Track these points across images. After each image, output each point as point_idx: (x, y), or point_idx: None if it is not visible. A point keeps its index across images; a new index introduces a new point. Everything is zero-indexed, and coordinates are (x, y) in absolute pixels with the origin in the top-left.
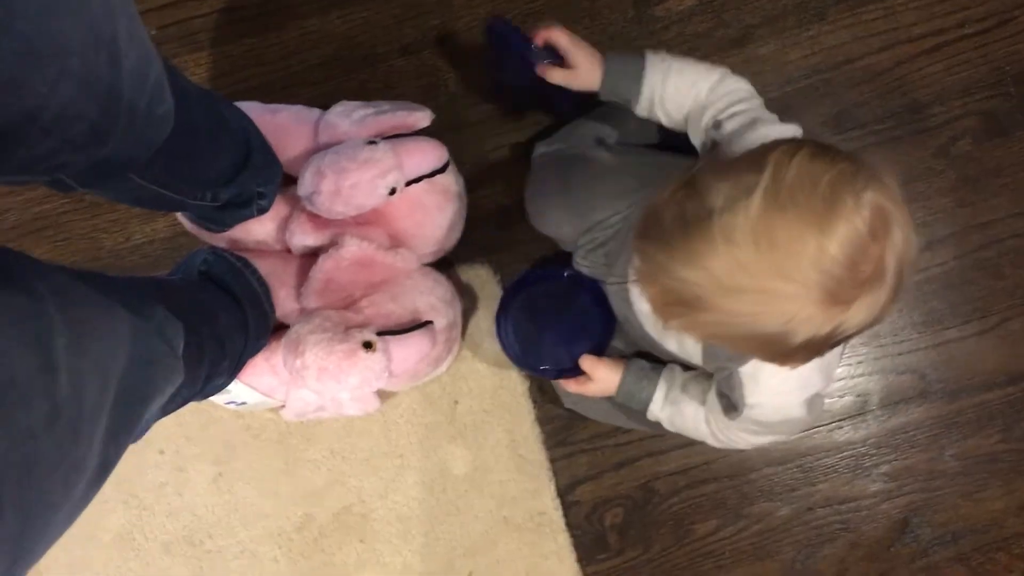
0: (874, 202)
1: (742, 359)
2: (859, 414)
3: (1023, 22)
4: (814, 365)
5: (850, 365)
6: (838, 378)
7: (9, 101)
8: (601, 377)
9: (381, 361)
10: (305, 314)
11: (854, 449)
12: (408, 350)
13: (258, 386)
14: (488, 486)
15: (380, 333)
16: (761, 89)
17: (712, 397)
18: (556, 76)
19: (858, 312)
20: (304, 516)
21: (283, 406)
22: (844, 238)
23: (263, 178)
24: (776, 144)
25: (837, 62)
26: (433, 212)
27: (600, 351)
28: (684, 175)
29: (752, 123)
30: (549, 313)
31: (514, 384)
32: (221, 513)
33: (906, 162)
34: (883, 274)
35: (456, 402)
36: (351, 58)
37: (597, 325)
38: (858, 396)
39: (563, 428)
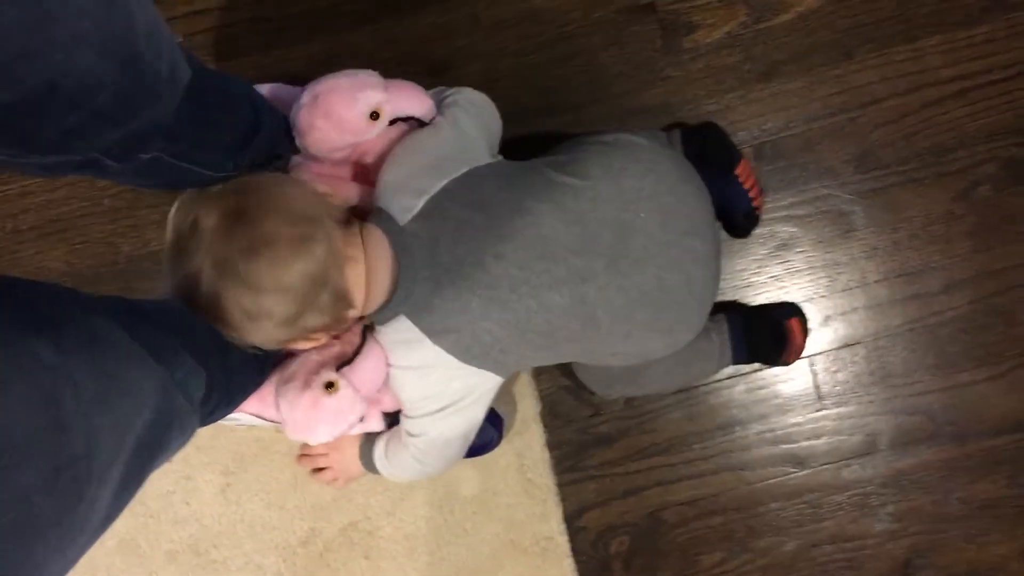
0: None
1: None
2: (868, 453)
3: None
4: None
5: (861, 403)
6: (849, 415)
7: (26, 71)
8: (339, 457)
9: (348, 396)
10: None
11: (861, 488)
12: (367, 371)
13: (248, 408)
14: (496, 509)
15: (341, 365)
16: (785, 125)
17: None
18: None
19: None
20: (310, 530)
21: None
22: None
23: (276, 136)
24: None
25: (863, 102)
26: None
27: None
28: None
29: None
30: None
31: (526, 407)
32: (228, 524)
33: (926, 204)
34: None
35: None
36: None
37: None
38: (867, 435)
39: (573, 453)
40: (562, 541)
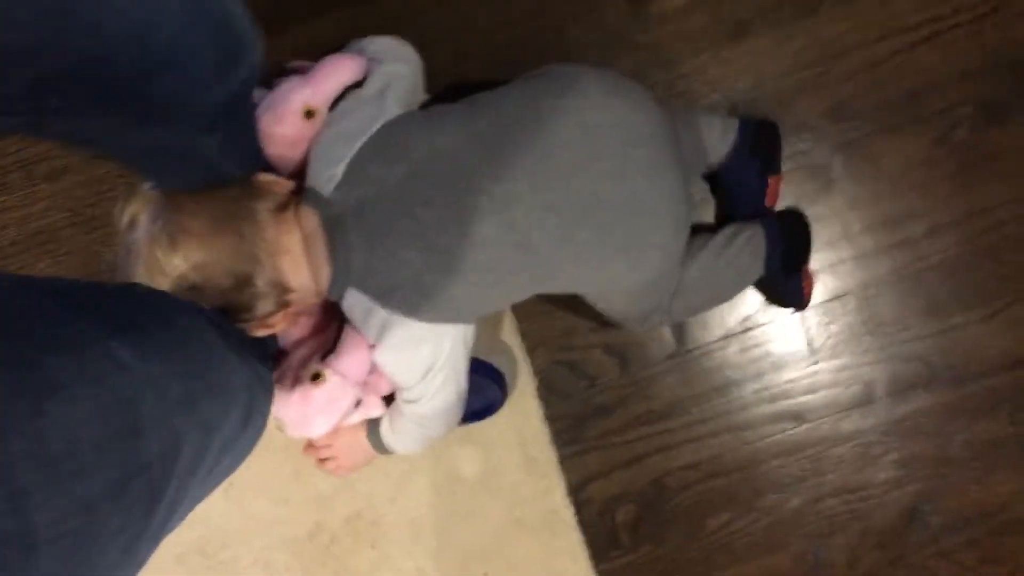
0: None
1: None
2: (866, 403)
3: (1017, 7)
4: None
5: (855, 354)
6: (844, 367)
7: (109, 15)
8: (346, 442)
9: (337, 384)
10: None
11: (862, 438)
12: (350, 354)
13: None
14: (499, 487)
15: (326, 354)
16: (757, 82)
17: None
18: None
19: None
20: (315, 523)
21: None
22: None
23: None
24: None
25: (833, 54)
26: None
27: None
28: None
29: None
30: None
31: (523, 384)
32: (234, 522)
33: (905, 151)
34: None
35: None
36: None
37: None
38: (864, 385)
39: (572, 426)
40: (568, 515)
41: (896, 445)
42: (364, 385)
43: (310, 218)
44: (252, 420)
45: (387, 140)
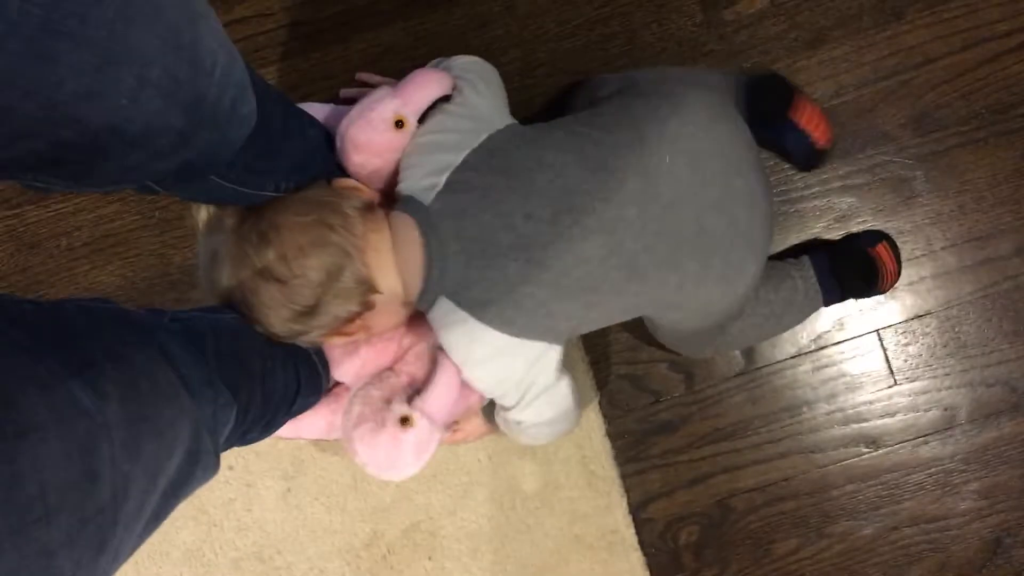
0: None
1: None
2: (946, 428)
3: None
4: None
5: (936, 377)
6: (923, 391)
7: (90, 114)
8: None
9: (425, 427)
10: (351, 394)
11: (942, 465)
12: (440, 399)
13: (309, 434)
14: (559, 503)
15: (412, 396)
16: (836, 91)
17: None
18: None
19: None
20: (372, 533)
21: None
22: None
23: (329, 168)
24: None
25: (916, 63)
26: None
27: None
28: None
29: None
30: None
31: (585, 397)
32: (290, 529)
33: (991, 164)
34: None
35: None
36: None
37: None
38: (945, 410)
39: (634, 443)
40: (628, 534)
41: (978, 474)
42: (451, 426)
43: (405, 224)
44: (201, 459)
45: (492, 152)
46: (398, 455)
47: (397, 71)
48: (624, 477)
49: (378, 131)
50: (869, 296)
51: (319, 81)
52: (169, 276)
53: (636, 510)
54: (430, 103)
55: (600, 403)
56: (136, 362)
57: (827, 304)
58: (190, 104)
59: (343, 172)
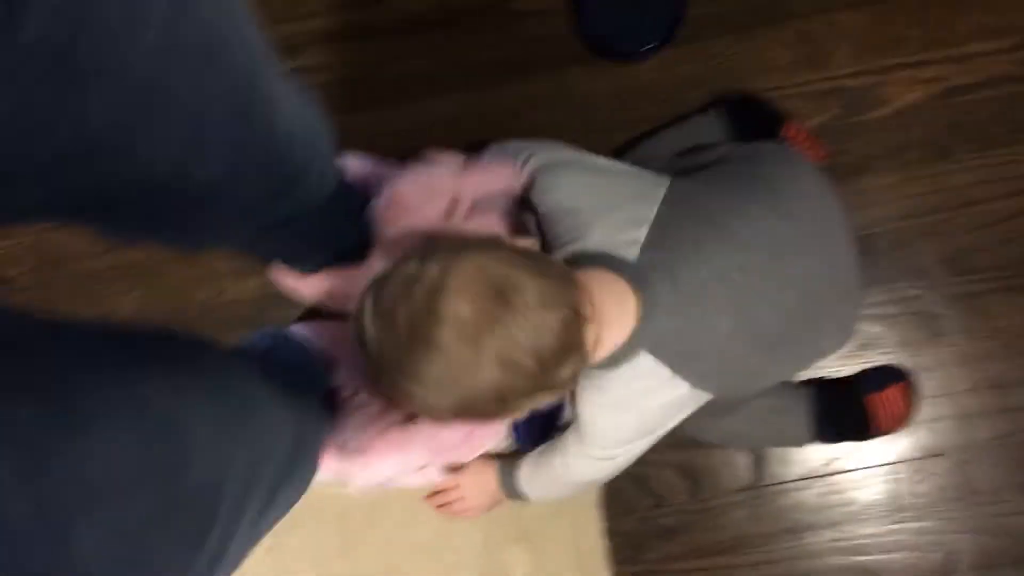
0: (464, 321)
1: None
2: (945, 573)
3: None
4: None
5: (942, 519)
6: (928, 531)
7: (131, 151)
8: (473, 482)
9: (424, 437)
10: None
11: None
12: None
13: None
14: None
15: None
16: (874, 220)
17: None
18: None
19: (468, 392)
20: None
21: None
22: (433, 360)
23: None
24: (432, 245)
25: (959, 203)
26: None
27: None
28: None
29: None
30: None
31: (587, 491)
32: None
33: (1021, 314)
34: (476, 369)
35: (524, 503)
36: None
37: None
38: (948, 553)
39: (632, 544)
40: None
41: None
42: (443, 455)
43: (608, 283)
44: (304, 451)
45: (685, 202)
46: (383, 449)
47: (445, 141)
48: None
49: (434, 209)
50: (866, 440)
51: (362, 141)
52: (187, 312)
53: None
54: (486, 194)
55: (601, 499)
56: (217, 362)
57: (823, 442)
58: (267, 166)
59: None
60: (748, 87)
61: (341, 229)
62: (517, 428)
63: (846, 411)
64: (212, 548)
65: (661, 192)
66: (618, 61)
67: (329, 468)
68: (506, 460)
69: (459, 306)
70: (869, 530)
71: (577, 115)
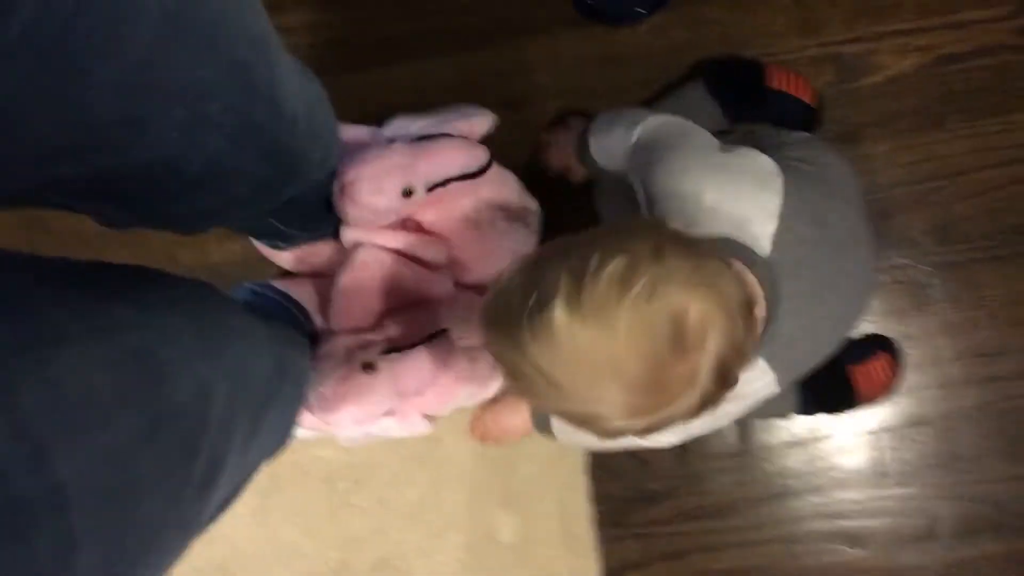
0: (685, 316)
1: None
2: (928, 538)
3: None
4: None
5: (925, 486)
6: (911, 497)
7: (132, 143)
8: (507, 408)
9: (386, 382)
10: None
11: (919, 574)
12: (416, 367)
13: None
14: (533, 558)
15: (389, 350)
16: (866, 189)
17: None
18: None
19: (669, 414)
20: (341, 562)
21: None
22: (642, 357)
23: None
24: (613, 233)
25: (949, 172)
26: (501, 243)
27: None
28: (534, 251)
29: (674, 173)
30: None
31: (574, 456)
32: (259, 547)
33: (1009, 284)
34: (692, 384)
35: (512, 467)
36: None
37: None
38: (929, 519)
39: (618, 509)
40: None
41: None
42: (408, 399)
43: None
44: (288, 373)
45: (798, 197)
46: (342, 392)
47: (436, 103)
48: (602, 542)
49: (386, 198)
50: (847, 411)
51: (352, 103)
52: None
53: None
54: (449, 176)
55: (589, 464)
56: (184, 283)
57: (804, 414)
58: (270, 152)
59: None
60: (741, 52)
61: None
62: None
63: (830, 383)
64: (200, 474)
65: (779, 182)
66: (610, 25)
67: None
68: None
69: (686, 305)
70: (852, 496)
71: (568, 79)
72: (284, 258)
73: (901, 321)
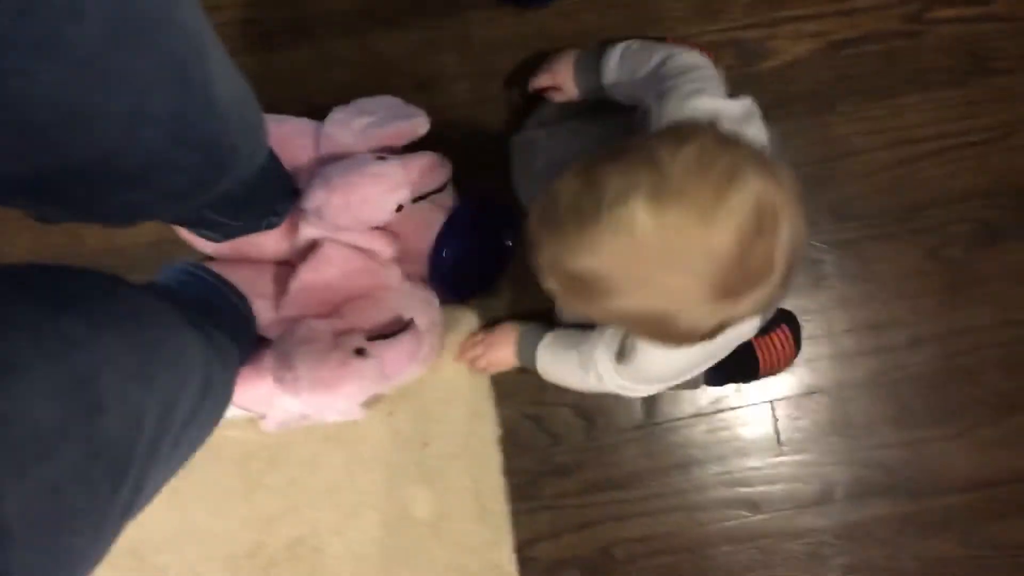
0: (762, 197)
1: None
2: (824, 502)
3: None
4: (702, 350)
5: (820, 452)
6: (807, 463)
7: (74, 143)
8: (496, 340)
9: (375, 367)
10: (287, 324)
11: (815, 537)
12: (399, 353)
13: (243, 401)
14: (448, 533)
15: (370, 338)
16: None
17: (601, 349)
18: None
19: (746, 305)
20: (256, 543)
21: (262, 417)
22: (731, 234)
23: (282, 200)
24: (670, 131)
25: (840, 153)
26: (430, 224)
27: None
28: (581, 162)
29: (694, 93)
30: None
31: (486, 432)
32: (171, 529)
33: (898, 260)
34: (771, 269)
35: (426, 444)
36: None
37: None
38: (824, 484)
39: (529, 482)
40: (511, 570)
41: (847, 549)
42: (388, 380)
43: None
44: (212, 391)
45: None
46: (343, 376)
47: (345, 83)
48: (515, 514)
49: (384, 213)
50: (751, 381)
51: (265, 83)
52: (81, 257)
53: (522, 549)
54: (429, 192)
55: (501, 439)
56: (128, 297)
57: (710, 385)
58: (204, 145)
59: (288, 206)
60: (646, 35)
61: (268, 197)
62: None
63: (734, 354)
64: (124, 500)
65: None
66: (521, 7)
67: (257, 399)
68: (530, 328)
69: (762, 188)
70: (752, 463)
71: (478, 61)
72: (207, 245)
73: (798, 296)
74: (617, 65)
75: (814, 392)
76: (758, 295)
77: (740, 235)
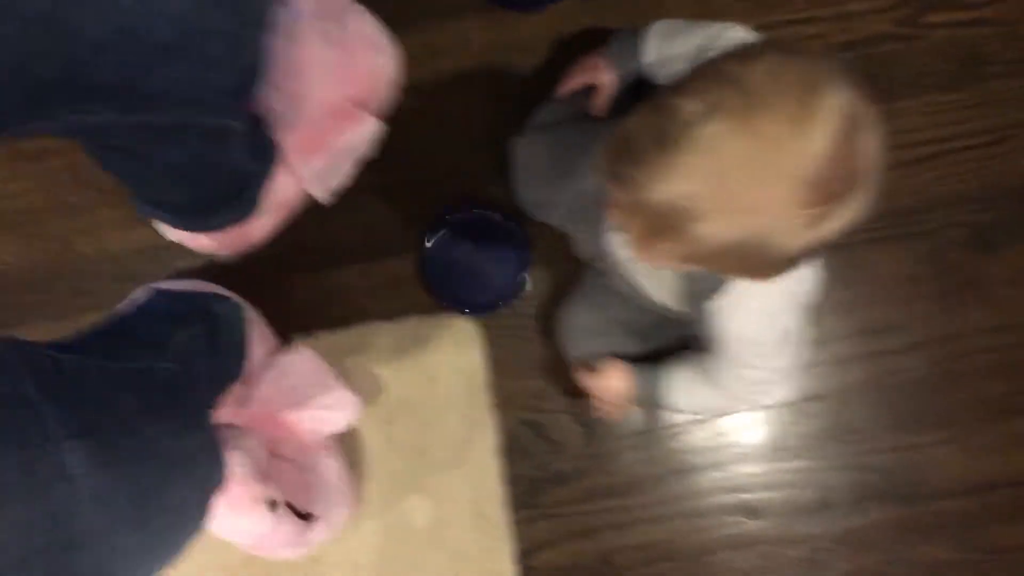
0: (847, 99)
1: (715, 292)
2: (822, 508)
3: (1020, 140)
4: (781, 302)
5: (819, 458)
6: (806, 469)
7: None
8: (614, 379)
9: (273, 524)
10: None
11: (813, 543)
12: (286, 534)
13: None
14: (447, 541)
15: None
16: None
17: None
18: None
19: (836, 219)
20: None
21: None
22: (822, 138)
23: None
24: (734, 52)
25: None
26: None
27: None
28: (648, 98)
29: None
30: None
31: (485, 440)
32: None
33: (892, 264)
34: (857, 176)
35: (424, 452)
36: None
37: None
38: (823, 490)
39: (529, 490)
40: None
41: (845, 555)
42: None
43: None
44: (209, 512)
45: None
46: (244, 509)
47: None
48: (514, 523)
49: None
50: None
51: None
52: (71, 264)
53: (522, 557)
54: None
55: (500, 446)
56: (146, 433)
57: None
58: (236, 5)
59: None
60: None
61: (246, 169)
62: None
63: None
64: None
65: None
66: (515, 10)
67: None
68: (644, 366)
69: (839, 96)
70: (752, 469)
71: (476, 65)
72: (202, 246)
73: None
74: (659, 43)
75: (811, 398)
76: (847, 205)
77: (834, 137)
